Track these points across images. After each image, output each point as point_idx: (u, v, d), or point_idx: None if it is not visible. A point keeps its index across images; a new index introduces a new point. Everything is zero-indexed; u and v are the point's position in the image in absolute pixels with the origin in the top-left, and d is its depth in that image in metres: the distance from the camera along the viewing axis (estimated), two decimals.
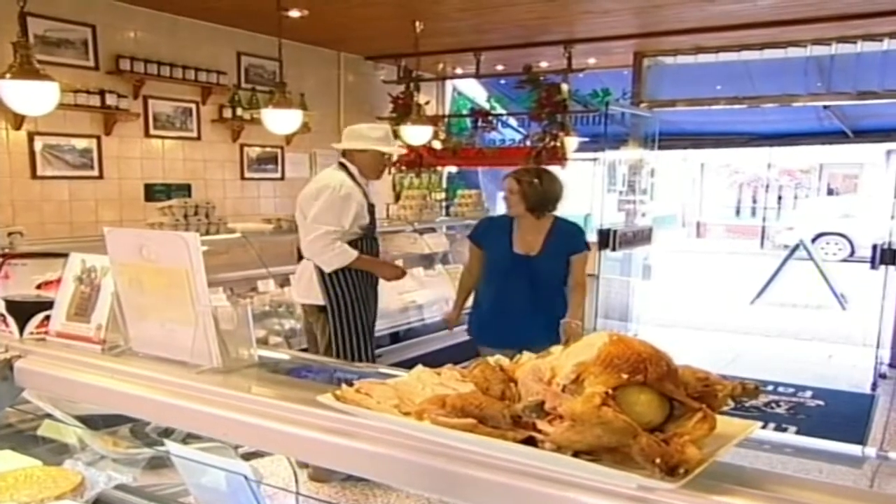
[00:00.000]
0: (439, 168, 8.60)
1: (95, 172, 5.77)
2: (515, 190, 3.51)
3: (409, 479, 0.89)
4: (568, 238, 3.58)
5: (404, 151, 3.85)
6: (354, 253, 3.74)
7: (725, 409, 0.86)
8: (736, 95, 7.50)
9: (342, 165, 3.91)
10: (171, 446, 1.28)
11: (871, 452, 1.10)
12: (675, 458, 0.67)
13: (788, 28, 6.25)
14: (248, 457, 1.33)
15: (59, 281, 1.39)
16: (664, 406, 0.75)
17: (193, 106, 6.39)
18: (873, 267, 6.25)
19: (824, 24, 6.12)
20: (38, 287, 1.63)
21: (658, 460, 0.67)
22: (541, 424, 0.75)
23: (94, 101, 5.54)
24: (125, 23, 5.83)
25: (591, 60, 7.86)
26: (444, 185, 8.96)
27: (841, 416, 5.20)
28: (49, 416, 1.62)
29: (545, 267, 3.51)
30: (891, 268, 6.21)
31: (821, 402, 5.40)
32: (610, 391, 0.70)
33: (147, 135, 6.07)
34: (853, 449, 1.06)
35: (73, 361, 1.25)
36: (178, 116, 6.29)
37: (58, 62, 5.30)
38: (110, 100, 5.62)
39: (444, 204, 8.01)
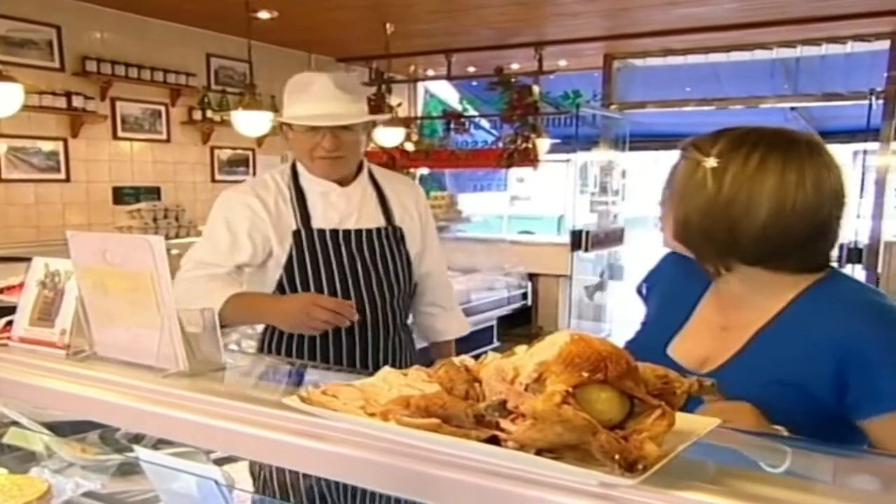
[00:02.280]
0: (412, 170, 8.60)
1: (62, 175, 5.69)
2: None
3: (374, 480, 0.89)
4: (833, 354, 1.14)
5: (337, 122, 2.02)
6: (219, 298, 1.93)
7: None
8: (704, 97, 7.60)
9: None
10: (141, 452, 1.27)
11: (846, 449, 1.12)
12: (634, 455, 0.68)
13: (753, 31, 6.35)
14: (220, 462, 1.32)
15: (22, 285, 1.38)
16: (624, 404, 0.76)
17: (162, 108, 6.32)
18: (840, 266, 6.37)
19: (789, 27, 6.23)
20: (1, 291, 1.61)
21: (617, 457, 0.68)
22: (504, 423, 0.76)
23: (60, 102, 5.46)
24: (91, 23, 5.76)
25: (562, 62, 7.91)
26: None
27: None
28: (15, 423, 1.59)
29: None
30: (857, 266, 6.34)
31: None
32: (570, 389, 0.71)
33: (115, 137, 6.00)
34: (828, 445, 1.07)
35: (36, 367, 1.24)
36: (147, 118, 6.23)
37: (22, 63, 5.21)
38: (77, 102, 5.55)
39: None
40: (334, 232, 2.09)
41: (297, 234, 2.07)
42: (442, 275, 2.39)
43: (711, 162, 1.20)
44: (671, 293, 1.44)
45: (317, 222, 2.09)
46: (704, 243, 1.25)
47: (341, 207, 2.12)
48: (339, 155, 2.05)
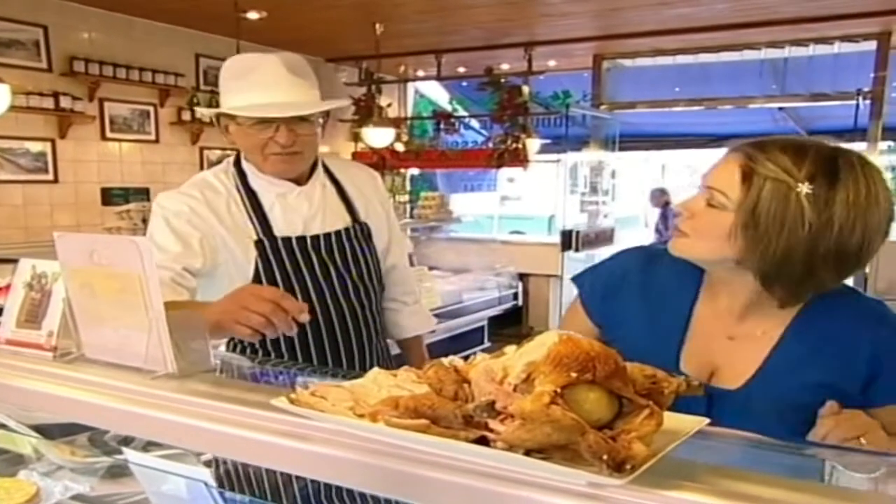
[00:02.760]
0: (402, 170, 8.59)
1: (50, 176, 5.66)
2: (724, 202, 1.21)
3: (363, 481, 0.89)
4: (848, 359, 1.24)
5: (289, 113, 1.73)
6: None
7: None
8: (694, 98, 7.63)
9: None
10: (130, 454, 1.26)
11: (831, 447, 1.13)
12: (622, 455, 0.68)
13: (743, 31, 6.39)
14: (211, 463, 1.31)
15: (8, 287, 1.37)
16: (613, 404, 0.76)
17: (151, 108, 6.30)
18: None
19: (777, 28, 6.26)
20: None
21: (605, 457, 0.68)
22: (492, 424, 0.75)
23: (48, 103, 5.44)
24: (79, 23, 5.73)
25: (552, 63, 7.93)
26: (408, 187, 8.97)
27: None
28: (3, 426, 1.58)
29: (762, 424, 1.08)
30: None
31: None
32: (559, 390, 0.71)
33: (104, 138, 5.98)
34: (814, 444, 1.09)
35: (23, 369, 1.23)
36: (136, 119, 6.21)
37: (8, 63, 5.20)
38: (64, 102, 5.53)
39: (408, 206, 8.01)
40: (301, 239, 1.84)
41: (259, 244, 1.81)
42: (406, 267, 2.18)
43: (806, 188, 1.13)
44: (659, 299, 1.37)
45: (279, 229, 1.84)
46: (806, 278, 1.19)
47: (303, 210, 1.88)
48: (296, 150, 1.79)
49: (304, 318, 1.37)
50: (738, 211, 1.18)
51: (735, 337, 1.30)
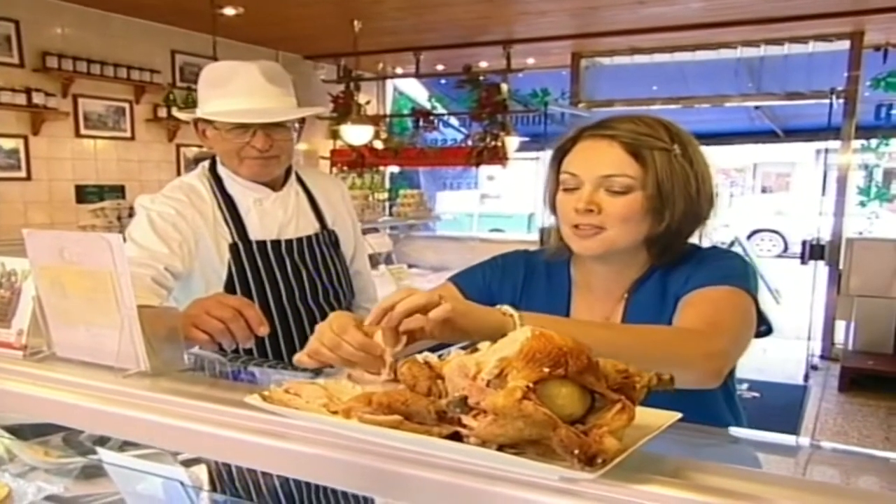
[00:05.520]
0: (381, 168, 8.57)
1: (23, 173, 5.58)
2: (631, 183, 1.26)
3: (337, 478, 0.89)
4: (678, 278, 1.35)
5: (268, 119, 1.80)
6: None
7: None
8: (671, 96, 7.68)
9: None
10: (104, 454, 1.25)
11: (804, 442, 1.14)
12: (593, 449, 0.69)
13: (718, 30, 6.44)
14: (188, 463, 1.30)
15: None
16: (585, 399, 0.77)
17: (126, 105, 6.23)
18: (803, 262, 6.49)
19: (752, 27, 6.32)
20: None
21: (576, 451, 0.68)
22: (465, 419, 0.76)
23: (20, 99, 5.36)
24: (52, 18, 5.65)
25: (530, 60, 7.94)
26: (387, 185, 8.95)
27: (776, 406, 5.38)
28: None
29: None
30: (819, 262, 6.46)
31: (756, 394, 5.55)
32: (531, 385, 0.71)
33: (78, 135, 5.90)
34: (787, 439, 1.10)
35: None
36: (111, 116, 6.13)
37: None
38: (37, 98, 5.45)
39: (387, 204, 8.00)
40: (276, 243, 1.90)
41: (233, 247, 1.85)
42: (369, 273, 2.24)
43: (677, 149, 1.27)
44: (537, 300, 1.42)
45: (254, 233, 1.89)
46: (693, 228, 1.35)
47: (279, 215, 1.93)
48: (272, 155, 1.85)
49: (263, 331, 1.35)
50: (644, 187, 1.25)
51: (607, 316, 1.38)
